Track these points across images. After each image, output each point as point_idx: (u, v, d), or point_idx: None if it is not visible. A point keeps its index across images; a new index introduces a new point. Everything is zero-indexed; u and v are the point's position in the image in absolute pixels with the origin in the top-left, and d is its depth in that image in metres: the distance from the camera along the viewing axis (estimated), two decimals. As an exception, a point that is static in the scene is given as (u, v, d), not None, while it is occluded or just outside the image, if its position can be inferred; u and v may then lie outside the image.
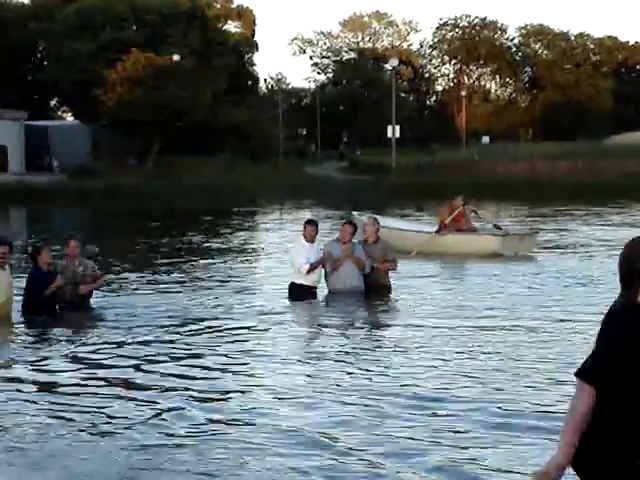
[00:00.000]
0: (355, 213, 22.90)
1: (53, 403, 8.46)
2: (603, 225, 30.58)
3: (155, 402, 8.45)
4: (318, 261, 14.09)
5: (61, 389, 9.02)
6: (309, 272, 14.04)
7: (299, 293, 14.14)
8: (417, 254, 19.70)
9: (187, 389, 8.85)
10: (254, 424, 7.68)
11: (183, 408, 8.19)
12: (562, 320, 12.19)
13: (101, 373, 9.60)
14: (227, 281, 17.23)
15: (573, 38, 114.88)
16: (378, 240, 14.73)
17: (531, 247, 21.03)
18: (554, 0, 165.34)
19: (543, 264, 19.18)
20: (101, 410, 8.16)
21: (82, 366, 9.94)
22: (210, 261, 20.90)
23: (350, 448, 6.98)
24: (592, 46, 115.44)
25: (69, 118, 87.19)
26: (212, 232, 29.81)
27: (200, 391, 8.83)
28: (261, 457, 6.85)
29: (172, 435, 7.44)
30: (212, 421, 7.83)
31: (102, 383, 9.23)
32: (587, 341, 10.58)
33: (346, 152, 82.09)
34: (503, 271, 17.84)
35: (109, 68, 67.82)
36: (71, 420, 7.88)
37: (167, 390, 8.88)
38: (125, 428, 7.60)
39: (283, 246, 24.44)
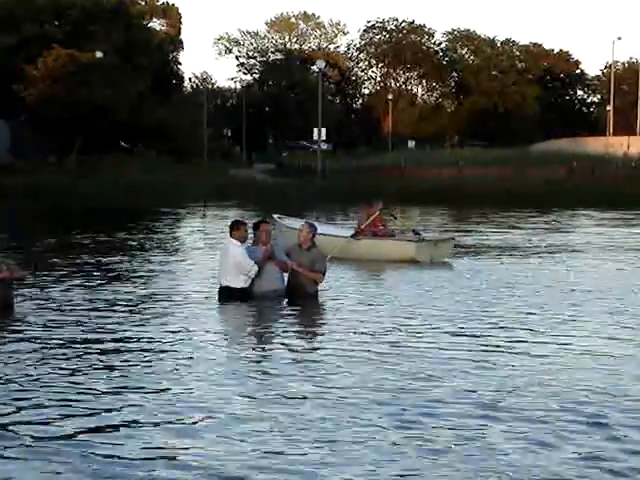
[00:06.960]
0: (275, 216, 22.43)
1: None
2: (524, 230, 30.63)
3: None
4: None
5: None
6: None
7: (231, 296, 13.61)
8: (331, 259, 19.28)
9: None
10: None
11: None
12: (461, 328, 11.87)
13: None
14: (149, 281, 16.71)
15: (499, 44, 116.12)
16: (312, 247, 14.27)
17: (447, 253, 20.64)
18: (481, 6, 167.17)
19: (457, 270, 18.86)
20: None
21: None
22: (131, 260, 20.38)
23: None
24: (518, 53, 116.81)
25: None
26: (132, 231, 29.35)
27: (118, 394, 8.46)
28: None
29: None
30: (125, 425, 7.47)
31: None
32: (501, 346, 10.44)
33: (256, 160, 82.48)
34: (417, 277, 17.52)
35: (29, 64, 66.48)
36: None
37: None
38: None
39: (201, 245, 24.36)
